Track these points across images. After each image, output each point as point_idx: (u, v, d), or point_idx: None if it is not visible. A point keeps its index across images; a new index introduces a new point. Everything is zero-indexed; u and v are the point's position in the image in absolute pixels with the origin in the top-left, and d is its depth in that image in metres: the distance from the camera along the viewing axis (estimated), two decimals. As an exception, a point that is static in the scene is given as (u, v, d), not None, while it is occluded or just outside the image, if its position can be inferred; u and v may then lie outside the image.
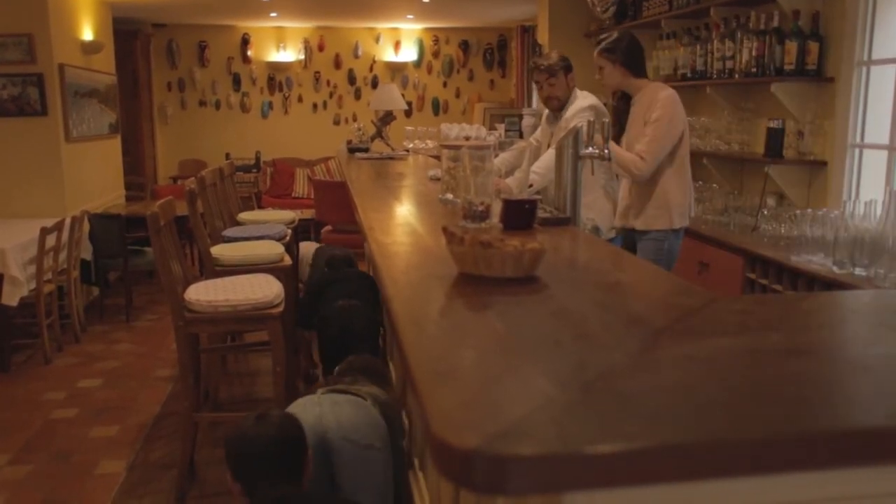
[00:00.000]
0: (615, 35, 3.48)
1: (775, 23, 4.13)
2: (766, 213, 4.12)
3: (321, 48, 10.09)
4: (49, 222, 4.95)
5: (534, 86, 4.26)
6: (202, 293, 3.09)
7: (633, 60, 3.40)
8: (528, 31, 9.06)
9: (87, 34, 6.54)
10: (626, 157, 3.29)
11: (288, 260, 3.86)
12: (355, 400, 2.32)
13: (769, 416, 0.93)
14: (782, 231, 3.88)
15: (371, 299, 3.29)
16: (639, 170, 3.26)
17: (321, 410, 2.22)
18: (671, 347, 1.19)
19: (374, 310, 3.26)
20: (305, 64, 10.07)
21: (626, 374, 1.06)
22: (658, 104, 3.29)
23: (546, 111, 3.94)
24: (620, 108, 3.50)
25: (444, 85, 10.45)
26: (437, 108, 10.43)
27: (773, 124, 4.11)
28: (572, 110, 3.67)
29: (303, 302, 3.81)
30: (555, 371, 1.08)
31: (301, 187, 9.64)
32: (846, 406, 1.00)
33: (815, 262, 3.42)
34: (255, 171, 9.59)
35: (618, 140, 3.48)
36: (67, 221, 5.25)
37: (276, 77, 10.08)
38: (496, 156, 3.53)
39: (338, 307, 3.14)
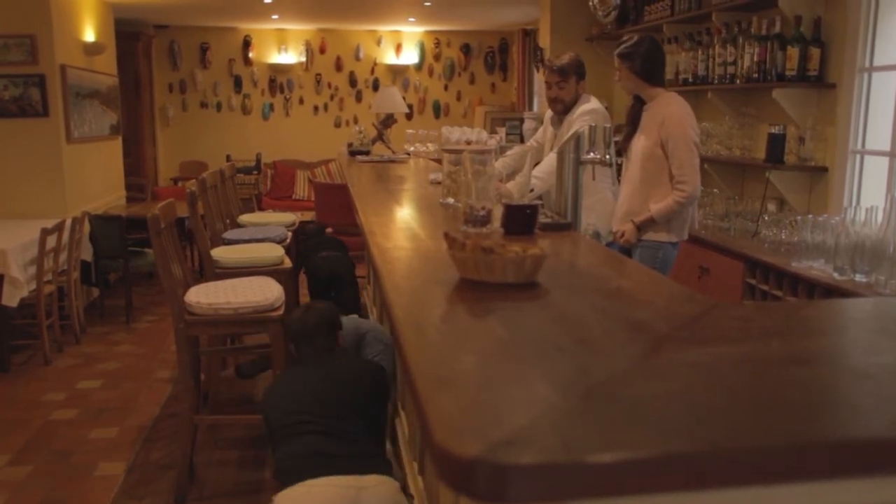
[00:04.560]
0: (635, 39, 3.40)
1: (777, 28, 4.13)
2: (766, 218, 4.12)
3: (322, 50, 10.10)
4: (49, 223, 4.95)
5: (539, 86, 4.26)
6: (203, 295, 3.09)
7: (648, 69, 3.35)
8: (529, 34, 9.06)
9: (89, 35, 6.54)
10: (670, 204, 3.26)
11: (288, 262, 3.86)
12: None
13: (771, 425, 0.93)
14: (783, 237, 3.88)
15: (345, 252, 4.46)
16: (688, 196, 3.25)
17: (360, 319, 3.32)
18: (673, 354, 1.18)
19: (349, 260, 4.34)
20: (307, 66, 10.07)
21: (627, 381, 1.06)
22: (669, 122, 3.26)
23: (549, 113, 3.94)
24: (636, 109, 3.48)
25: (446, 88, 10.45)
26: (438, 111, 10.43)
27: (775, 130, 4.11)
28: (576, 114, 3.67)
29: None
30: (556, 377, 1.08)
31: (302, 189, 9.64)
32: (848, 415, 1.00)
33: (816, 268, 3.42)
34: (255, 172, 9.59)
35: (629, 139, 3.47)
36: (68, 222, 5.25)
37: (278, 79, 10.08)
38: (497, 159, 3.53)
39: (323, 257, 4.14)
